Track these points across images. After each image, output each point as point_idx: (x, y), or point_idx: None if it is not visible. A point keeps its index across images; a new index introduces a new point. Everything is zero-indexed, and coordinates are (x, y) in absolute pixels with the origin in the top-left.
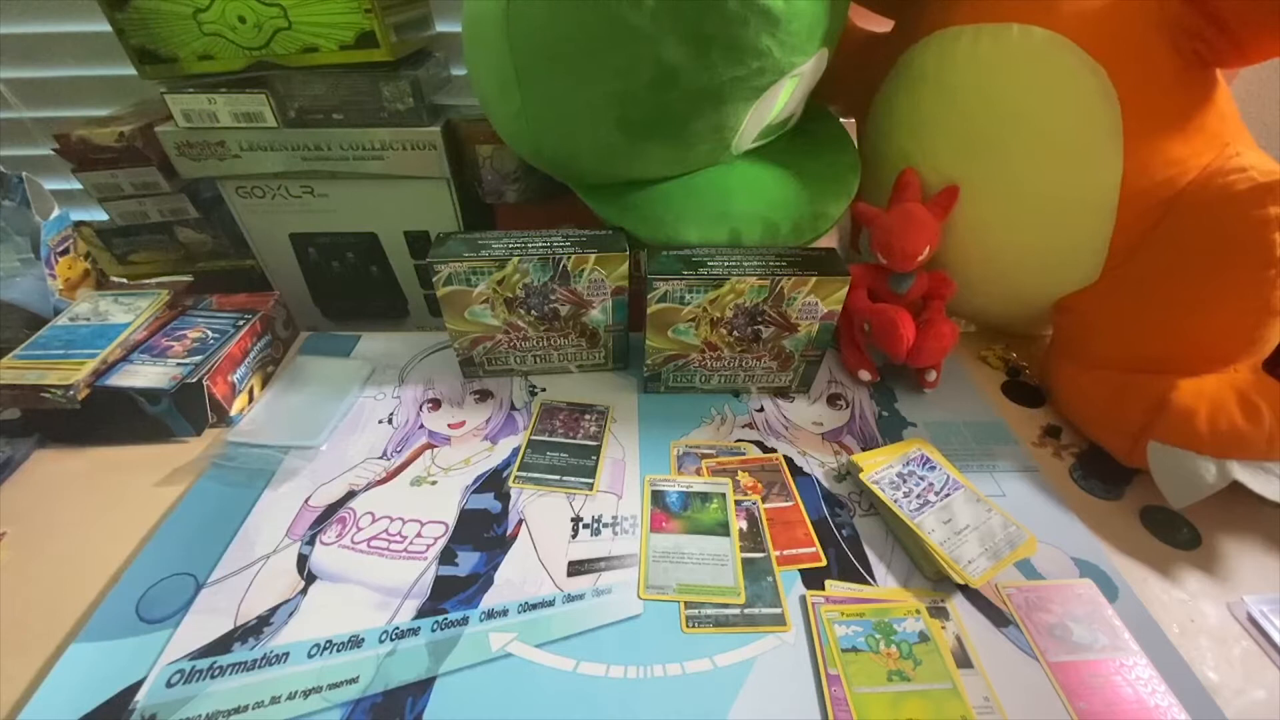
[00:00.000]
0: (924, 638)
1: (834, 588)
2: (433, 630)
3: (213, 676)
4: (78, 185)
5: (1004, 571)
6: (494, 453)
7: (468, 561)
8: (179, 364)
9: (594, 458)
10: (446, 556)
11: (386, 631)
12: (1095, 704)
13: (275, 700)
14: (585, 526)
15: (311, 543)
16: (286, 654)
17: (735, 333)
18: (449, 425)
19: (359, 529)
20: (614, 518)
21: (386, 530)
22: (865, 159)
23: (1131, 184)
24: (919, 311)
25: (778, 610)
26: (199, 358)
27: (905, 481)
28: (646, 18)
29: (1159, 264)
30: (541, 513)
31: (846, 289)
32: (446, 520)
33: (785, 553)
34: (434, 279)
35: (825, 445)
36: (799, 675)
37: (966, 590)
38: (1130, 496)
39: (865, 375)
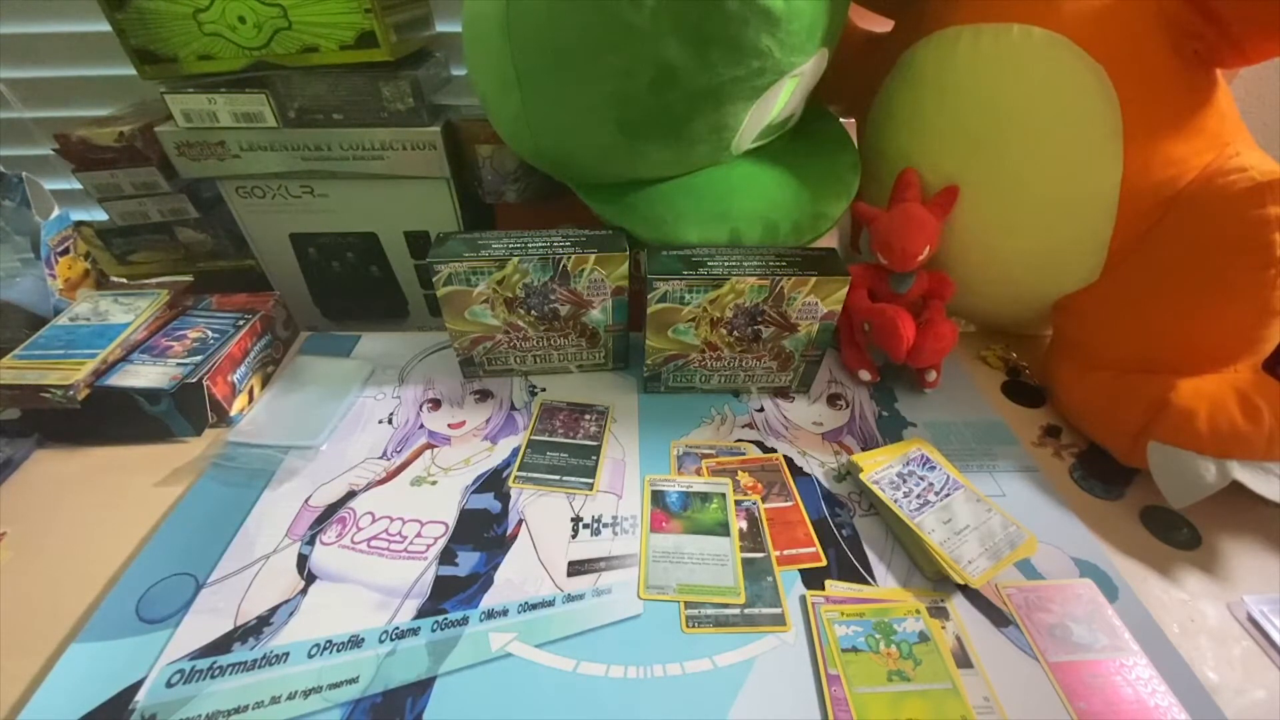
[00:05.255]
0: (924, 638)
1: (834, 588)
2: (433, 630)
3: (213, 676)
4: (78, 185)
5: (1004, 571)
6: (494, 453)
7: (468, 561)
8: (179, 364)
9: (594, 458)
10: (446, 556)
11: (386, 631)
12: (1095, 704)
13: (275, 700)
14: (585, 526)
15: (311, 543)
16: (286, 654)
17: (735, 333)
18: (449, 425)
19: (359, 529)
20: (614, 518)
21: (386, 530)
22: (865, 159)
23: (1131, 184)
24: (919, 311)
25: (778, 610)
26: (199, 358)
27: (905, 481)
28: (646, 18)
29: (1159, 264)
30: (541, 513)
31: (846, 289)
32: (446, 520)
33: (785, 553)
34: (434, 279)
35: (825, 445)
36: (799, 675)
37: (966, 590)
38: (1130, 496)
39: (865, 375)
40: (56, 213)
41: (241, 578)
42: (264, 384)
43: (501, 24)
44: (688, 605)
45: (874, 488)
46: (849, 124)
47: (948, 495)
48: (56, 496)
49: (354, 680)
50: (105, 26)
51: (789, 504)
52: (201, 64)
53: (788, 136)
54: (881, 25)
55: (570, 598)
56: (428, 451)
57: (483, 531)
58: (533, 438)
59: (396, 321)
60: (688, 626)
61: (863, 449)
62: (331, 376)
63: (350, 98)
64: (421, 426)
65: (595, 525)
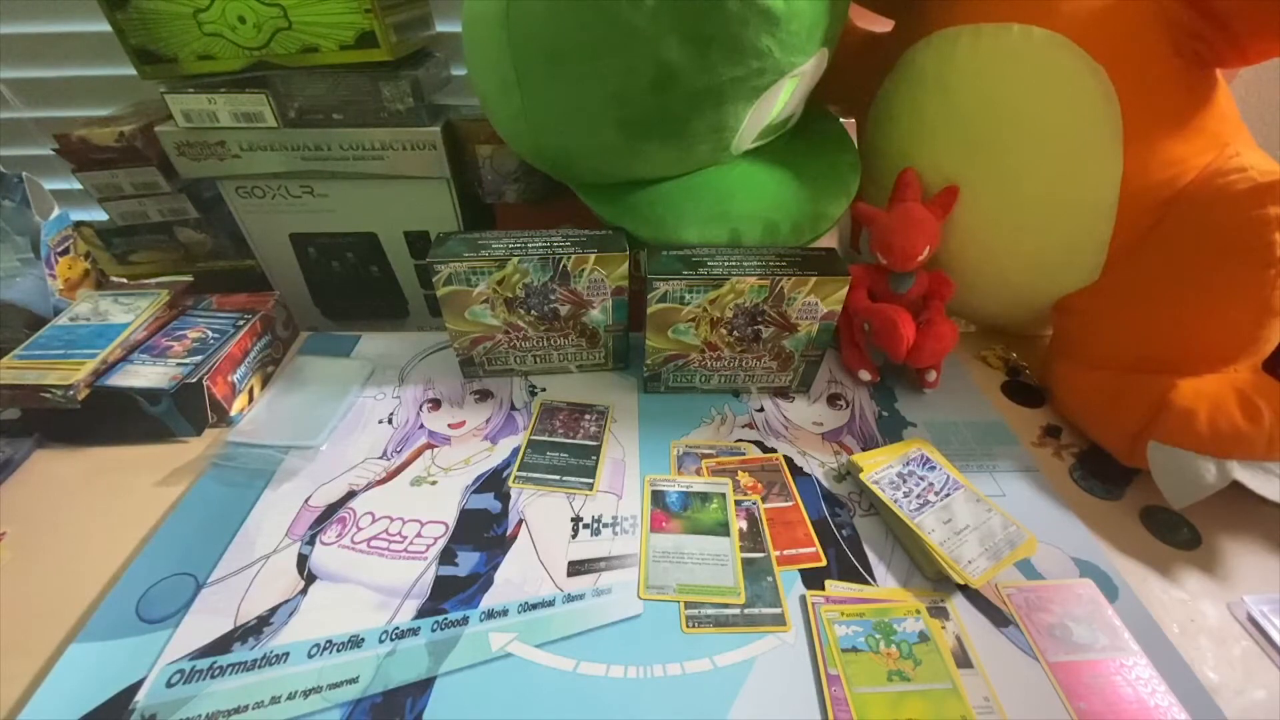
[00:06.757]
0: (924, 638)
1: (834, 588)
2: (433, 630)
3: (213, 676)
4: (78, 185)
5: (1004, 571)
6: (494, 453)
7: (468, 561)
8: (179, 364)
9: (594, 458)
10: (446, 556)
11: (386, 631)
12: (1095, 704)
13: (275, 700)
14: (585, 526)
15: (311, 543)
16: (286, 654)
17: (735, 333)
18: (449, 425)
19: (359, 529)
20: (614, 518)
21: (386, 530)
22: (865, 159)
23: (1131, 184)
24: (919, 311)
25: (778, 610)
26: (199, 358)
27: (905, 481)
28: (647, 18)
29: (1159, 264)
30: (541, 513)
31: (846, 289)
32: (446, 520)
33: (785, 553)
34: (434, 279)
35: (825, 445)
36: (799, 675)
37: (966, 590)
38: (1130, 496)
39: (865, 375)
40: (56, 213)
41: (241, 578)
42: (264, 384)
43: (501, 24)
44: (688, 605)
45: (874, 488)
46: (849, 124)
47: (948, 495)
48: (56, 496)
49: (354, 680)
50: (105, 26)
51: (789, 504)
52: (201, 64)
53: (788, 136)
54: (881, 25)
55: (570, 598)
56: (428, 451)
57: (483, 531)
58: (533, 438)
59: (396, 321)
60: (688, 626)
61: (863, 449)
62: (331, 376)
63: (350, 98)
64: (421, 426)
65: (595, 525)
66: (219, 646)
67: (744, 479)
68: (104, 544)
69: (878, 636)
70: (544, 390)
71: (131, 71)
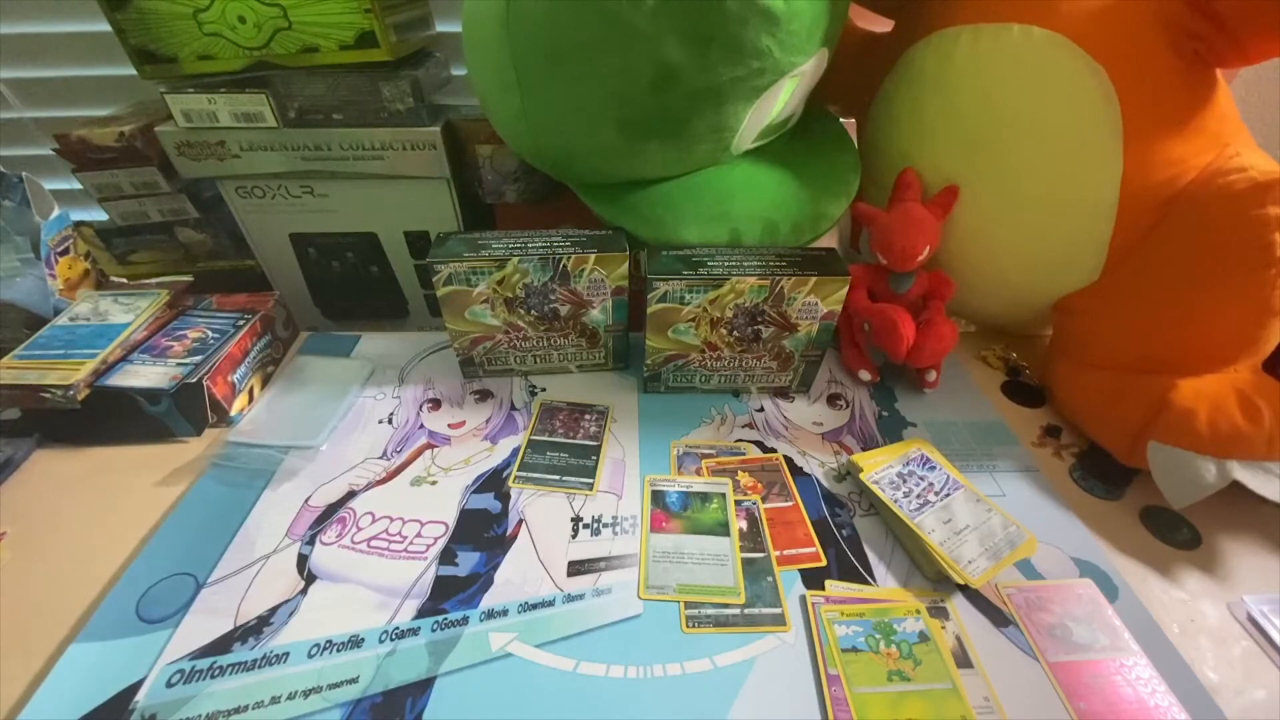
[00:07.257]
0: (924, 638)
1: (834, 588)
2: (433, 630)
3: (213, 676)
4: (78, 185)
5: (1004, 571)
6: (494, 453)
7: (468, 561)
8: (179, 364)
9: (594, 458)
10: (446, 556)
11: (386, 631)
12: (1095, 704)
13: (275, 700)
14: (585, 526)
15: (311, 543)
16: (286, 654)
17: (735, 333)
18: (449, 425)
19: (359, 529)
20: (614, 518)
21: (386, 530)
22: (865, 159)
23: (1131, 184)
24: (919, 311)
25: (778, 610)
26: (199, 358)
27: (905, 481)
28: (646, 17)
29: (1159, 264)
30: (541, 513)
31: (846, 289)
32: (446, 520)
33: (785, 553)
34: (434, 279)
35: (825, 445)
36: (799, 675)
37: (966, 590)
38: (1130, 496)
39: (865, 375)
40: (56, 213)
41: (241, 578)
42: (264, 384)
43: (501, 24)
44: (688, 605)
45: (874, 488)
46: (849, 124)
47: (948, 495)
48: (56, 496)
49: (354, 680)
50: (105, 26)
51: (789, 504)
52: (201, 64)
53: (788, 136)
54: (881, 25)
55: (570, 598)
56: (428, 451)
57: (483, 531)
58: (533, 438)
59: (396, 321)
60: (688, 626)
61: (863, 449)
62: (331, 376)
63: (350, 98)
64: (421, 426)
65: (595, 525)
66: (219, 646)
67: (744, 479)
68: (104, 544)
69: (878, 636)
70: (544, 390)
71: (131, 71)
